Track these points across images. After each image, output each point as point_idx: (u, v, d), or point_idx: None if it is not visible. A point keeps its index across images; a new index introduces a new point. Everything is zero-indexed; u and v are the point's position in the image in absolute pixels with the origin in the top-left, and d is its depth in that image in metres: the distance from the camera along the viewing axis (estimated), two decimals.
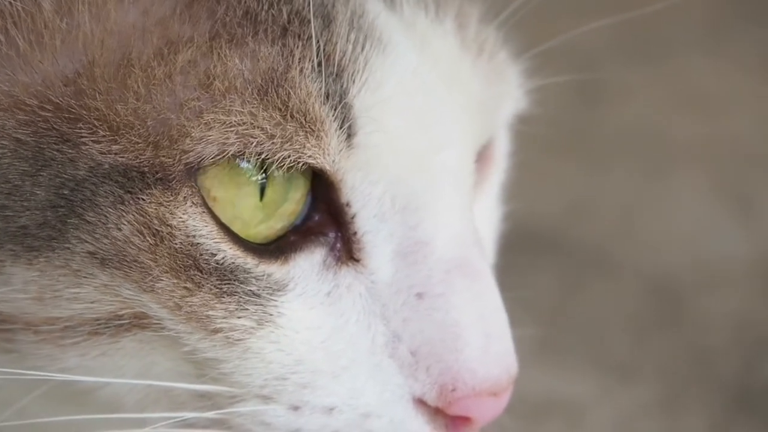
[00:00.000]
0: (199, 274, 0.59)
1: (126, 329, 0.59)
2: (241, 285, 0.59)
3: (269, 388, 0.61)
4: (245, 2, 0.60)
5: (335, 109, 0.60)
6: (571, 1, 1.23)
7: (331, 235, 0.62)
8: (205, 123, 0.58)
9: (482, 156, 0.72)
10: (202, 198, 0.59)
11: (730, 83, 1.65)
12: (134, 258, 0.58)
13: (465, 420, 0.62)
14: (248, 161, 0.59)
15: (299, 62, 0.59)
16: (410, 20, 0.64)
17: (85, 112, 0.58)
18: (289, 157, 0.59)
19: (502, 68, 0.69)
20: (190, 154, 0.58)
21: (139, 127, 0.58)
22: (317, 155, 0.60)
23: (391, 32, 0.62)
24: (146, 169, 0.58)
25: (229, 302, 0.59)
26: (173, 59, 0.58)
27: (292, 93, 0.59)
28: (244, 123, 0.58)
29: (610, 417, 1.12)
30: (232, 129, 0.58)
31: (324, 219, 0.62)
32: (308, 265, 0.61)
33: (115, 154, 0.58)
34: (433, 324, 0.62)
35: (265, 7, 0.60)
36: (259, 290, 0.60)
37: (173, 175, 0.58)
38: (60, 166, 0.58)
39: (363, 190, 0.61)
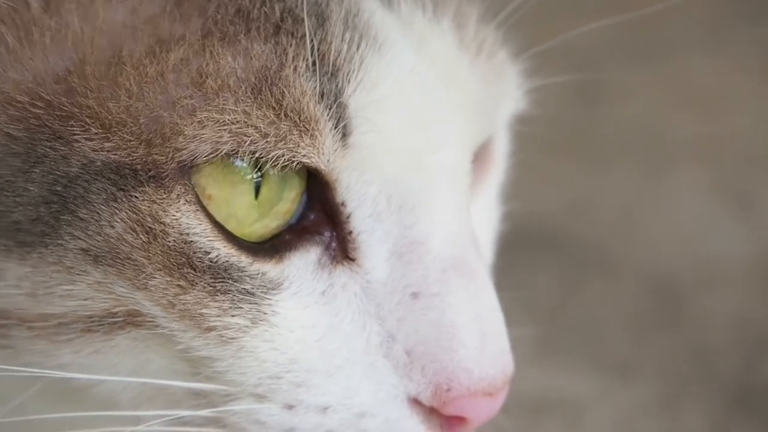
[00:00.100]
0: (193, 272, 0.59)
1: (120, 327, 0.59)
2: (235, 283, 0.59)
3: (264, 386, 0.60)
4: (237, 0, 0.60)
5: (330, 109, 0.59)
6: (571, 1, 1.23)
7: (327, 234, 0.62)
8: (199, 121, 0.58)
9: (481, 156, 0.72)
10: (196, 196, 0.59)
11: (730, 83, 1.65)
12: (127, 255, 0.58)
13: (460, 420, 0.62)
14: (242, 160, 0.59)
15: (293, 60, 0.59)
16: (407, 19, 0.64)
17: (76, 110, 0.58)
18: (283, 156, 0.59)
19: (500, 68, 0.69)
20: (183, 152, 0.58)
21: (131, 124, 0.58)
22: (312, 154, 0.59)
23: (387, 31, 0.62)
24: (139, 167, 0.58)
25: (223, 300, 0.59)
26: (165, 57, 0.58)
27: (286, 92, 0.59)
28: (237, 122, 0.58)
29: (609, 416, 1.12)
30: (226, 128, 0.58)
31: (319, 218, 0.62)
32: (303, 264, 0.61)
33: (108, 151, 0.58)
34: (428, 324, 0.61)
35: (258, 5, 0.60)
36: (253, 289, 0.60)
37: (166, 173, 0.58)
38: (53, 163, 0.58)
39: (358, 189, 0.61)
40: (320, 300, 0.61)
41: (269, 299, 0.60)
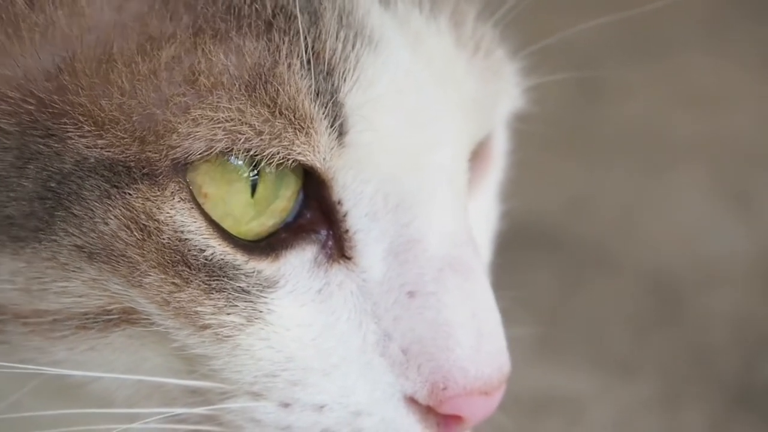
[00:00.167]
0: (188, 269, 0.59)
1: (115, 324, 0.59)
2: (231, 281, 0.59)
3: (259, 384, 0.60)
4: None
5: (326, 107, 0.59)
6: None
7: (323, 232, 0.62)
8: (192, 119, 0.58)
9: (480, 155, 0.72)
10: (191, 194, 0.59)
11: (731, 82, 1.65)
12: (122, 253, 0.58)
13: (456, 419, 0.62)
14: (237, 157, 0.59)
15: (286, 58, 0.59)
16: (404, 18, 0.63)
17: (68, 108, 0.58)
18: (278, 153, 0.59)
19: (498, 66, 0.69)
20: (177, 149, 0.58)
21: (124, 122, 0.58)
22: (307, 152, 0.59)
23: (383, 30, 0.62)
24: (132, 164, 0.58)
25: (218, 299, 0.59)
26: (157, 55, 0.58)
27: (280, 89, 0.59)
28: (231, 119, 0.58)
29: (609, 414, 1.12)
30: (220, 125, 0.58)
31: (315, 217, 0.62)
32: (299, 262, 0.61)
33: (101, 148, 0.58)
34: (424, 322, 0.61)
35: (248, 2, 0.60)
36: (248, 287, 0.60)
37: (160, 170, 0.58)
38: (47, 159, 0.58)
39: (355, 188, 0.61)
40: (316, 298, 0.61)
41: (265, 297, 0.60)
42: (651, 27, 1.67)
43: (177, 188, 0.59)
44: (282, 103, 0.59)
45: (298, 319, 0.61)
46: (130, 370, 0.60)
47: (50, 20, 0.59)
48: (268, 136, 0.58)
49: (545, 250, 1.32)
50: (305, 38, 0.59)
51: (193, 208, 0.59)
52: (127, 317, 0.59)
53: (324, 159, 0.60)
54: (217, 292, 0.59)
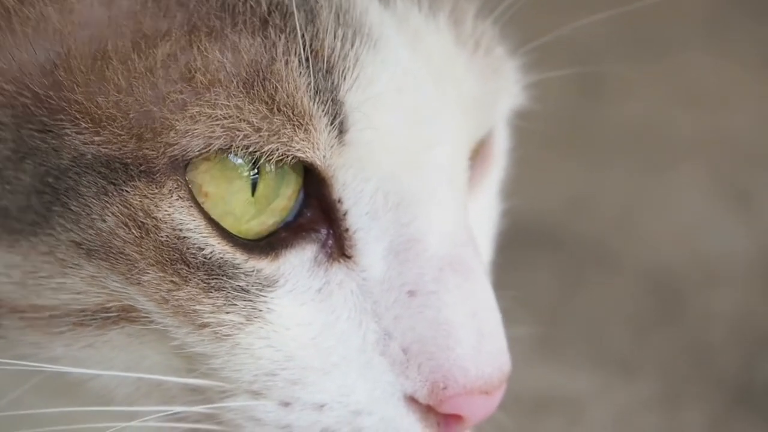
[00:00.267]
0: (186, 268, 0.59)
1: (113, 322, 0.59)
2: (230, 280, 0.59)
3: (259, 383, 0.60)
4: None
5: (325, 105, 0.59)
6: None
7: (323, 231, 0.62)
8: (190, 116, 0.58)
9: (481, 153, 0.72)
10: (190, 192, 0.59)
11: (731, 80, 1.65)
12: (120, 250, 0.58)
13: (457, 418, 0.62)
14: (235, 154, 0.59)
15: (283, 55, 0.59)
16: (403, 16, 0.63)
17: (65, 104, 0.58)
18: (277, 150, 0.59)
19: (498, 64, 0.69)
20: (175, 147, 0.58)
21: (121, 119, 0.58)
22: (306, 149, 0.59)
23: (382, 28, 0.62)
24: (129, 161, 0.58)
25: (217, 297, 0.59)
26: (152, 53, 0.58)
27: (278, 86, 0.58)
28: (230, 116, 0.58)
29: (609, 413, 1.12)
30: (218, 122, 0.58)
31: (316, 215, 0.62)
32: (299, 261, 0.61)
33: (98, 145, 0.58)
34: (424, 322, 0.61)
35: None
36: (247, 286, 0.60)
37: (157, 168, 0.58)
38: (44, 155, 0.58)
39: (355, 186, 0.61)
40: (316, 297, 0.61)
41: (264, 296, 0.60)
42: (651, 26, 1.67)
43: (175, 186, 0.58)
44: (280, 100, 0.58)
45: (297, 318, 0.61)
46: (129, 368, 0.60)
47: (40, 15, 0.59)
48: (266, 133, 0.58)
49: (545, 249, 1.32)
50: (302, 36, 0.59)
51: (192, 206, 0.59)
52: (126, 315, 0.59)
53: (324, 156, 0.60)
54: (216, 290, 0.59)
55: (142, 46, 0.58)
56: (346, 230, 0.62)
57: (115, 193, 0.58)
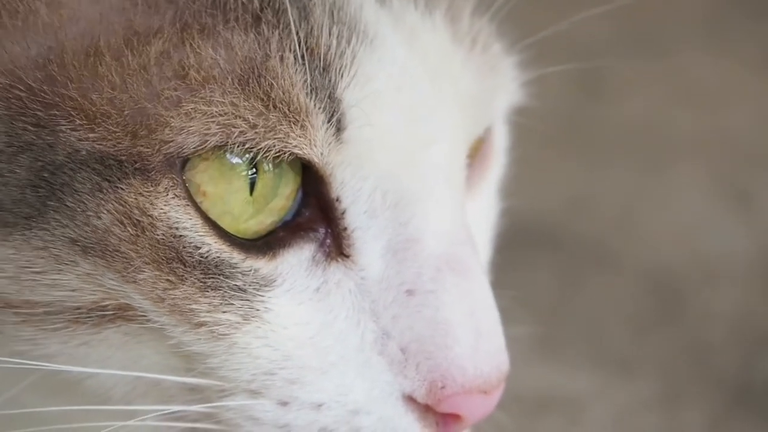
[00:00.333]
0: (182, 267, 0.59)
1: (109, 320, 0.59)
2: (226, 280, 0.59)
3: (257, 383, 0.60)
4: None
5: (322, 102, 0.59)
6: None
7: (321, 230, 0.62)
8: (185, 113, 0.58)
9: (480, 153, 0.72)
10: (187, 191, 0.59)
11: (731, 78, 1.65)
12: (116, 248, 0.58)
13: (455, 417, 0.62)
14: (232, 152, 0.59)
15: (278, 51, 0.59)
16: (399, 14, 0.63)
17: (59, 99, 0.58)
18: (274, 146, 0.59)
19: (495, 61, 0.69)
20: (170, 144, 0.58)
21: (116, 116, 0.58)
22: (303, 145, 0.59)
23: (378, 26, 0.62)
24: (124, 158, 0.58)
25: (214, 297, 0.59)
26: (145, 50, 0.58)
27: (274, 83, 0.58)
28: (225, 113, 0.58)
29: (609, 413, 1.12)
30: (213, 119, 0.58)
31: (314, 214, 0.62)
32: (297, 261, 0.61)
33: (93, 141, 0.58)
34: (423, 321, 0.61)
35: None
36: (245, 285, 0.59)
37: (152, 166, 0.58)
38: (40, 150, 0.58)
39: (353, 185, 0.61)
40: (314, 297, 0.61)
41: (262, 296, 0.60)
42: (652, 25, 1.67)
43: (171, 185, 0.58)
44: (276, 97, 0.58)
45: (295, 318, 0.61)
46: (126, 367, 0.60)
47: (30, 8, 0.59)
48: (262, 130, 0.58)
49: (545, 248, 1.31)
50: (297, 32, 0.59)
51: (188, 205, 0.59)
52: (123, 313, 0.59)
53: (322, 154, 0.60)
54: (212, 290, 0.59)
55: (135, 44, 0.58)
56: (345, 229, 0.62)
57: (110, 190, 0.58)
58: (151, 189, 0.58)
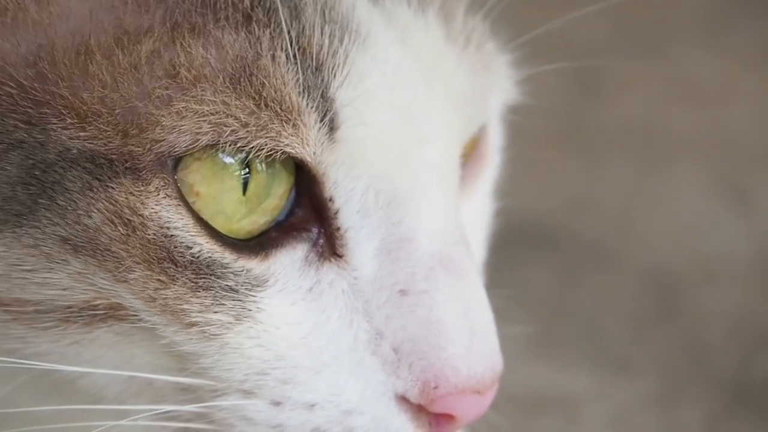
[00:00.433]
0: (173, 267, 0.58)
1: (101, 320, 0.59)
2: (218, 280, 0.59)
3: (250, 383, 0.60)
4: None
5: (315, 101, 0.59)
6: None
7: (314, 230, 0.62)
8: (176, 112, 0.57)
9: (475, 153, 0.72)
10: (178, 191, 0.59)
11: (730, 77, 1.65)
12: (107, 247, 0.58)
13: (448, 418, 0.62)
14: (223, 151, 0.59)
15: (269, 50, 0.59)
16: (391, 13, 0.63)
17: (49, 97, 0.58)
18: (266, 145, 0.58)
19: (489, 59, 0.68)
20: (162, 143, 0.58)
21: (107, 115, 0.58)
22: (295, 144, 0.59)
23: (370, 25, 0.62)
24: (115, 157, 0.58)
25: (205, 297, 0.59)
26: (136, 49, 0.58)
27: (265, 82, 0.58)
28: (216, 112, 0.58)
29: (607, 412, 1.12)
30: (205, 118, 0.58)
31: (307, 214, 0.61)
32: (289, 261, 0.61)
33: (83, 140, 0.58)
34: (416, 321, 0.61)
35: None
36: (236, 285, 0.59)
37: (143, 165, 0.58)
38: (30, 148, 0.58)
39: (346, 185, 0.61)
40: (307, 297, 0.61)
41: (254, 296, 0.60)
42: (650, 23, 1.67)
43: (162, 184, 0.58)
44: (267, 96, 0.58)
45: (288, 318, 0.60)
46: (118, 367, 0.60)
47: (19, 6, 0.59)
48: (254, 128, 0.58)
49: (543, 247, 1.31)
50: (288, 31, 0.59)
51: (180, 205, 0.58)
52: (114, 313, 0.59)
53: (314, 153, 0.60)
54: (203, 290, 0.59)
55: (125, 42, 0.58)
56: (338, 229, 0.61)
57: (100, 189, 0.58)
58: (142, 188, 0.58)
